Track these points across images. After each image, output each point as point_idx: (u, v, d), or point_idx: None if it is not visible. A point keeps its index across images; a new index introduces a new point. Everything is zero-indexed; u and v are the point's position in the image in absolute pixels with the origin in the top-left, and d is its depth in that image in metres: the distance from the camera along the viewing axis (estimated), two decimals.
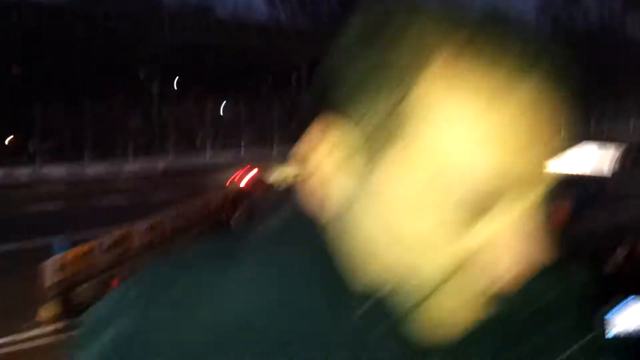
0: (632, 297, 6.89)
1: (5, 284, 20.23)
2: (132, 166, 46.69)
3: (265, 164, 42.70)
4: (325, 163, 0.86)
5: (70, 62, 50.66)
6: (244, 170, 39.86)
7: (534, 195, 0.73)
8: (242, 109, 56.59)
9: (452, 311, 0.76)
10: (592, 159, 39.52)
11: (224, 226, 29.35)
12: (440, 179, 0.73)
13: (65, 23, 56.77)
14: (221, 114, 58.28)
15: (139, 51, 55.44)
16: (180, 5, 64.96)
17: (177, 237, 27.71)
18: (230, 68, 60.94)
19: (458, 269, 0.74)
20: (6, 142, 45.88)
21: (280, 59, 62.74)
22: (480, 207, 0.72)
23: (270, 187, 38.87)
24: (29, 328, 17.34)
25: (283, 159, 53.17)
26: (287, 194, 0.98)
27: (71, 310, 17.93)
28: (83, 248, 21.36)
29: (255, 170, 39.58)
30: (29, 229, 27.21)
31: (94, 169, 44.53)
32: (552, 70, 0.74)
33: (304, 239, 0.88)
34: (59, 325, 17.72)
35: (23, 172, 41.81)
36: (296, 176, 0.95)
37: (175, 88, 58.98)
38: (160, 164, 47.91)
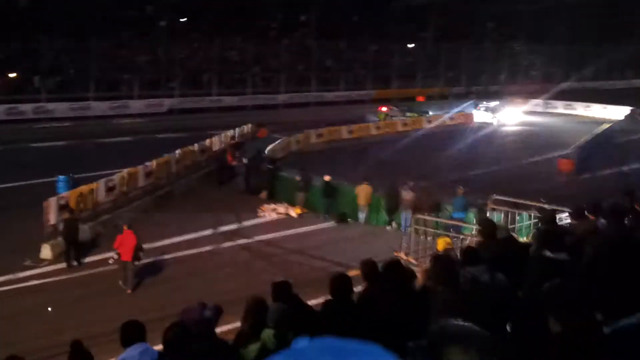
0: None
1: (9, 221, 20.48)
2: (137, 104, 46.58)
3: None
4: None
5: None
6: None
7: None
8: (249, 49, 56.04)
9: None
10: None
11: (227, 169, 29.49)
12: None
13: None
14: (229, 54, 57.71)
15: None
16: None
17: (182, 178, 27.89)
18: (239, 6, 60.08)
19: None
20: (10, 76, 45.58)
21: None
22: None
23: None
24: (31, 266, 17.52)
25: (286, 106, 53.11)
26: None
27: (72, 250, 18.14)
28: (86, 187, 21.49)
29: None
30: (34, 166, 27.33)
31: (99, 107, 44.43)
32: None
33: None
34: (59, 264, 17.96)
35: (27, 108, 41.73)
36: None
37: (183, 26, 58.35)
38: (166, 103, 47.80)
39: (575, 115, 56.26)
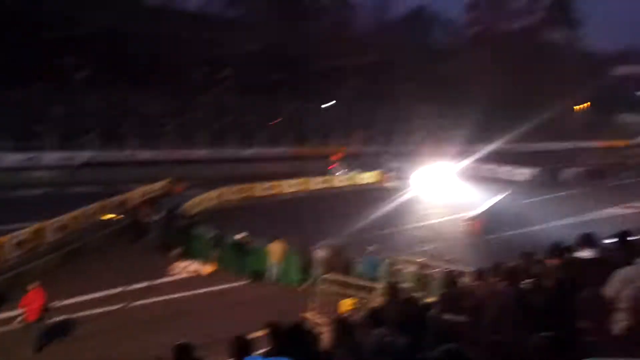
0: None
1: None
2: (51, 156, 45.88)
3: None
4: None
5: None
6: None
7: None
8: (169, 102, 55.95)
9: None
10: None
11: (141, 225, 29.31)
12: None
13: None
14: (147, 107, 57.45)
15: (62, 37, 54.03)
16: None
17: (94, 234, 27.55)
18: (159, 58, 59.95)
19: None
20: None
21: (211, 49, 62.05)
22: None
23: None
24: None
25: (204, 162, 53.00)
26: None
27: None
28: None
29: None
30: None
31: (10, 159, 43.55)
32: None
33: None
34: None
35: None
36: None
37: (100, 77, 57.81)
38: (81, 155, 47.20)
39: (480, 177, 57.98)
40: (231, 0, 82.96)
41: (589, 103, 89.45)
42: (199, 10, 75.71)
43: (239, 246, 25.07)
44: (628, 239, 8.86)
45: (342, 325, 7.41)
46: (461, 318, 6.81)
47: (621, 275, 6.06)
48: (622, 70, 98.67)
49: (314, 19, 78.52)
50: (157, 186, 37.85)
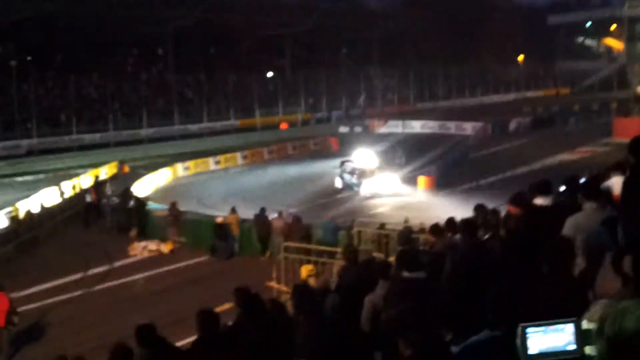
0: None
1: None
2: None
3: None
4: None
5: None
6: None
7: None
8: (108, 84, 54.75)
9: None
10: None
11: (93, 209, 28.88)
12: None
13: None
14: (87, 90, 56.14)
15: None
16: None
17: (46, 222, 27.00)
18: (94, 39, 58.52)
19: None
20: None
21: (146, 27, 60.78)
22: None
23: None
24: None
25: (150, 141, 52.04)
26: None
27: None
28: None
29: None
30: None
31: None
32: None
33: None
34: None
35: None
36: None
37: (35, 63, 56.22)
38: (24, 144, 46.00)
39: (433, 134, 58.37)
40: None
41: (522, 56, 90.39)
42: None
43: (197, 222, 24.90)
44: (578, 182, 9.01)
45: (301, 291, 7.38)
46: (420, 274, 6.77)
47: (572, 221, 6.15)
48: (553, 19, 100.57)
49: None
50: (106, 168, 37.29)
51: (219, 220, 24.27)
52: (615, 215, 5.89)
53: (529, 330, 3.23)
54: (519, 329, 3.21)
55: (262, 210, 24.61)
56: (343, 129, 59.82)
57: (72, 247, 24.47)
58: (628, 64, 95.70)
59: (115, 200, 28.87)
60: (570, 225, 6.13)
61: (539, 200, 7.48)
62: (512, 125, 59.31)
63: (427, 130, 59.25)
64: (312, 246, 20.03)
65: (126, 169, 38.61)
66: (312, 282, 9.72)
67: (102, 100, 54.33)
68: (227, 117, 60.47)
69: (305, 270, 10.70)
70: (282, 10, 69.46)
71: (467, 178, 35.87)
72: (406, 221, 22.64)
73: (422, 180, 35.79)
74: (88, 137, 49.99)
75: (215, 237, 23.86)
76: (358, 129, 60.15)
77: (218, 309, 8.14)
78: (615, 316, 1.99)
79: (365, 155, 36.52)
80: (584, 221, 6.07)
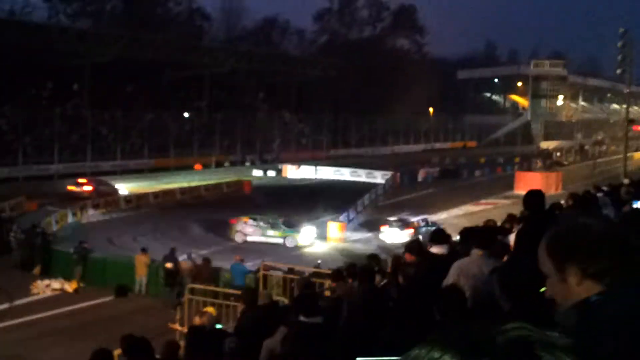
0: None
1: None
2: None
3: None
4: None
5: None
6: None
7: None
8: (20, 116, 53.44)
9: None
10: None
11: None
12: None
13: None
14: None
15: None
16: None
17: None
18: (6, 70, 57.15)
19: None
20: None
21: (62, 61, 59.82)
22: None
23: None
24: None
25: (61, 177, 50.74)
26: None
27: None
28: None
29: None
30: None
31: None
32: None
33: None
34: None
35: None
36: None
37: None
38: None
39: (344, 181, 59.17)
40: (79, 12, 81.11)
41: (432, 109, 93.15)
42: (46, 21, 72.78)
43: (103, 261, 24.75)
44: (472, 232, 9.69)
45: (194, 335, 7.53)
46: (317, 319, 7.06)
47: (455, 265, 6.50)
48: (462, 74, 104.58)
49: (164, 29, 77.80)
50: (11, 204, 36.41)
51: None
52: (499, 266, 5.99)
53: None
54: None
55: (172, 251, 24.67)
56: (256, 173, 60.49)
57: None
58: (532, 120, 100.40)
59: (22, 236, 28.37)
60: (453, 269, 6.45)
61: (435, 249, 8.02)
62: (421, 175, 60.89)
63: (339, 177, 60.14)
64: (219, 289, 20.22)
65: (34, 205, 37.80)
66: (197, 320, 9.77)
67: (13, 133, 52.99)
68: (142, 155, 59.99)
69: (204, 313, 10.71)
70: (202, 51, 70.00)
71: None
72: (317, 266, 23.06)
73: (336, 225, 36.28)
74: None
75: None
76: (271, 173, 61.03)
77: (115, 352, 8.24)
78: None
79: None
80: (466, 266, 6.35)
